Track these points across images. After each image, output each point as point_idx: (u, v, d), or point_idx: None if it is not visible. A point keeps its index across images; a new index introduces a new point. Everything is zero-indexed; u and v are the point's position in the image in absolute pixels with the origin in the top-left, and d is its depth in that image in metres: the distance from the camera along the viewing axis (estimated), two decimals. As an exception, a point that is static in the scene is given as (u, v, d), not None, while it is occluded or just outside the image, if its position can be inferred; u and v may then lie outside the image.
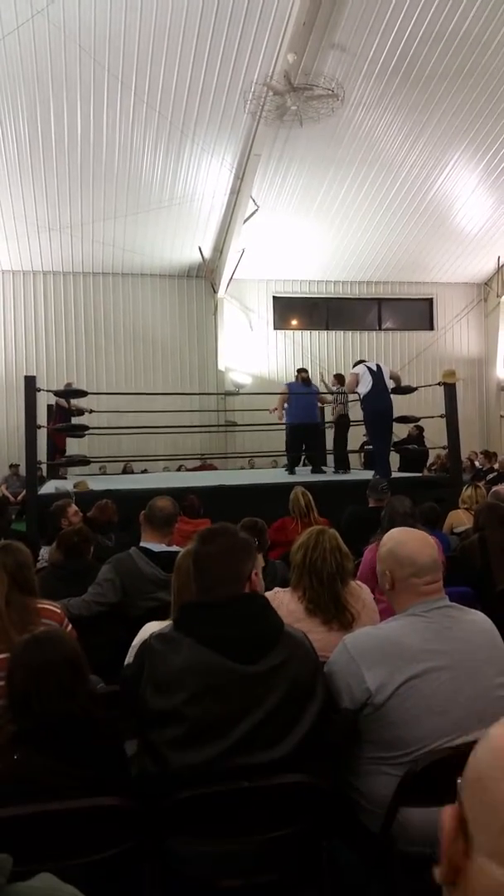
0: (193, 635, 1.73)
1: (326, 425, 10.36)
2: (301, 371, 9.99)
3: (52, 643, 1.78)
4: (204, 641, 1.71)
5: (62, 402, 10.08)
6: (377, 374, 7.93)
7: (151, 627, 2.42)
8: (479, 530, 3.99)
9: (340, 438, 9.95)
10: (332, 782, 1.83)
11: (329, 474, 9.40)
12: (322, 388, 10.31)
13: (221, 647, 1.70)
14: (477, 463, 14.02)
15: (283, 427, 9.77)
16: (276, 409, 9.98)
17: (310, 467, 10.00)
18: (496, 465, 13.28)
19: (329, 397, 10.22)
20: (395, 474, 8.48)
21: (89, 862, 1.54)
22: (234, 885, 1.65)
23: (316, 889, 1.77)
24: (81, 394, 9.36)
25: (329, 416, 10.39)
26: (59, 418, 10.05)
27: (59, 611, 2.65)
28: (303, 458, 10.16)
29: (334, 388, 10.06)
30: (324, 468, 9.87)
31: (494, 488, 5.82)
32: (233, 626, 1.73)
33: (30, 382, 7.29)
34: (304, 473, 9.57)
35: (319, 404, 10.19)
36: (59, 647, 1.77)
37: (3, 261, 14.99)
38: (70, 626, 2.66)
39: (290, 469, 9.69)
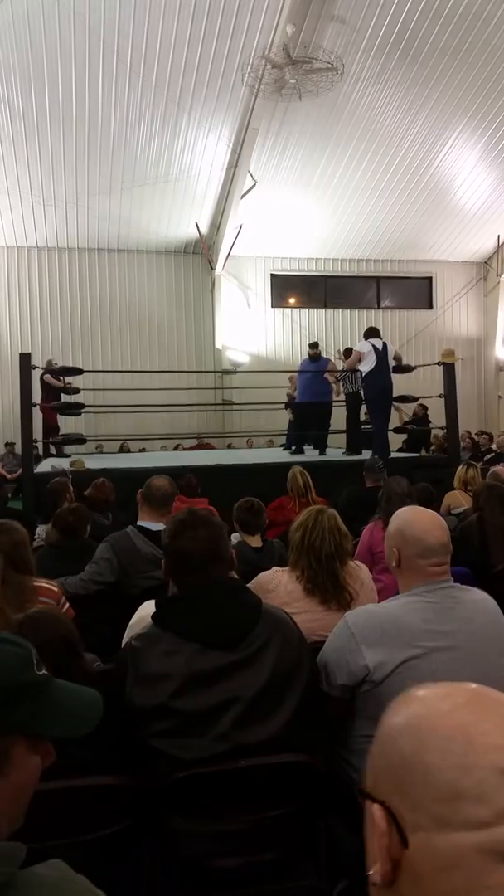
0: (172, 630, 1.75)
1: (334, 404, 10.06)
2: (310, 346, 9.77)
3: (46, 622, 1.78)
4: (183, 634, 1.73)
5: (49, 379, 10.01)
6: (382, 353, 7.87)
7: (150, 606, 2.41)
8: (477, 510, 3.98)
9: (353, 418, 9.34)
10: (328, 760, 1.84)
11: (328, 455, 9.20)
12: (339, 365, 9.97)
13: (201, 638, 1.72)
14: (479, 441, 13.96)
15: (281, 406, 9.67)
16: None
17: (317, 448, 9.54)
18: (494, 446, 13.28)
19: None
20: (393, 454, 8.47)
21: (87, 841, 1.54)
22: (232, 863, 1.66)
23: (313, 867, 1.78)
24: (77, 371, 9.31)
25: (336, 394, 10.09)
26: (46, 396, 9.97)
27: (56, 589, 2.66)
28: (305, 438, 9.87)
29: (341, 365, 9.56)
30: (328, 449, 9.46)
31: (493, 469, 5.82)
32: (209, 615, 1.75)
33: (25, 360, 7.25)
34: (309, 454, 9.28)
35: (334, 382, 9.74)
36: (53, 627, 1.77)
37: (-2, 236, 14.83)
38: (67, 605, 2.67)
39: (296, 449, 9.28)
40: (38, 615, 1.84)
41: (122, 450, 13.16)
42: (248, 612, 1.80)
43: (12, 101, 11.44)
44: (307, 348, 9.92)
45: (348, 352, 9.66)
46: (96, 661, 2.96)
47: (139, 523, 3.48)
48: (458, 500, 5.69)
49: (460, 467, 6.10)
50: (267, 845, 1.68)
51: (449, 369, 8.29)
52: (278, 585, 2.57)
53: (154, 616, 1.83)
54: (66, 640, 1.77)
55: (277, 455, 9.54)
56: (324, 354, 10.16)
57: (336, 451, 9.50)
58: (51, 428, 10.44)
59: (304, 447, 9.55)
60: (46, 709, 0.92)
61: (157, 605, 1.92)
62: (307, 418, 9.39)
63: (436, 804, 0.61)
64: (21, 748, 0.89)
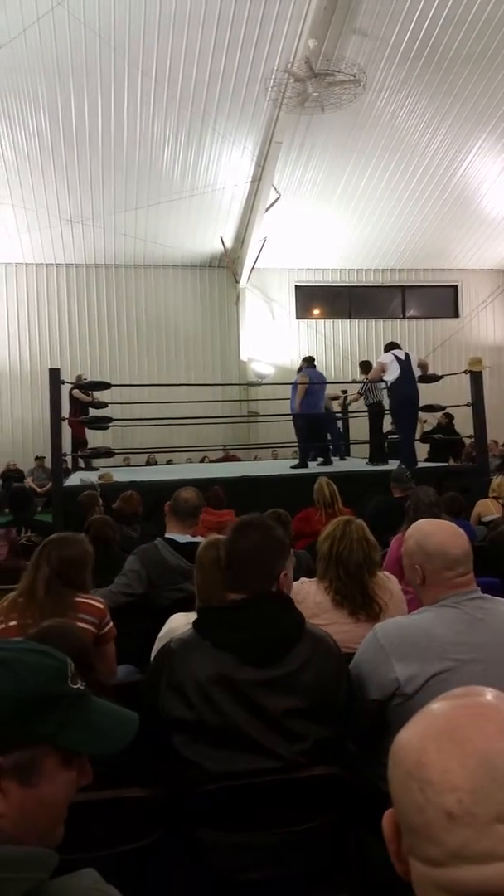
0: (212, 639, 1.73)
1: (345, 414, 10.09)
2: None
3: (57, 637, 1.77)
4: (222, 645, 1.71)
5: (78, 393, 10.15)
6: (405, 363, 7.86)
7: (178, 618, 2.42)
8: (507, 520, 3.93)
9: (376, 428, 9.36)
10: (359, 773, 1.82)
11: (354, 465, 9.22)
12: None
13: (240, 651, 1.70)
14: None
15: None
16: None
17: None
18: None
19: (329, 391, 10.11)
20: (420, 464, 8.41)
21: (117, 853, 1.55)
22: (263, 876, 1.65)
23: (344, 880, 1.76)
24: (105, 385, 9.41)
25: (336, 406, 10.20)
26: (74, 410, 10.11)
27: (101, 606, 2.63)
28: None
29: (360, 378, 9.76)
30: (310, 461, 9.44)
31: (522, 477, 5.75)
32: (251, 629, 1.73)
33: (54, 375, 7.34)
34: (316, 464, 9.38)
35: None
36: (64, 641, 1.74)
37: (26, 253, 15.09)
38: (111, 624, 2.65)
39: (323, 460, 9.36)
40: (47, 630, 1.83)
41: (149, 462, 13.25)
42: (290, 631, 1.77)
43: (40, 121, 11.67)
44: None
45: (365, 364, 9.75)
46: (135, 672, 2.97)
47: (167, 535, 3.50)
48: (489, 508, 5.63)
49: (496, 476, 6.04)
50: (298, 859, 1.67)
51: (476, 378, 8.22)
52: (306, 597, 2.56)
53: (195, 623, 1.82)
54: (78, 653, 1.76)
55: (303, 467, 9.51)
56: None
57: (360, 461, 9.47)
58: (79, 442, 10.56)
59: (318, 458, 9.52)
60: (76, 722, 0.92)
61: (199, 612, 1.92)
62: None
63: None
64: (52, 760, 0.89)
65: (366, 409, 9.52)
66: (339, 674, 1.81)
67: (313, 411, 9.07)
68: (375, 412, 9.29)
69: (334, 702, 1.76)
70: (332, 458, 9.44)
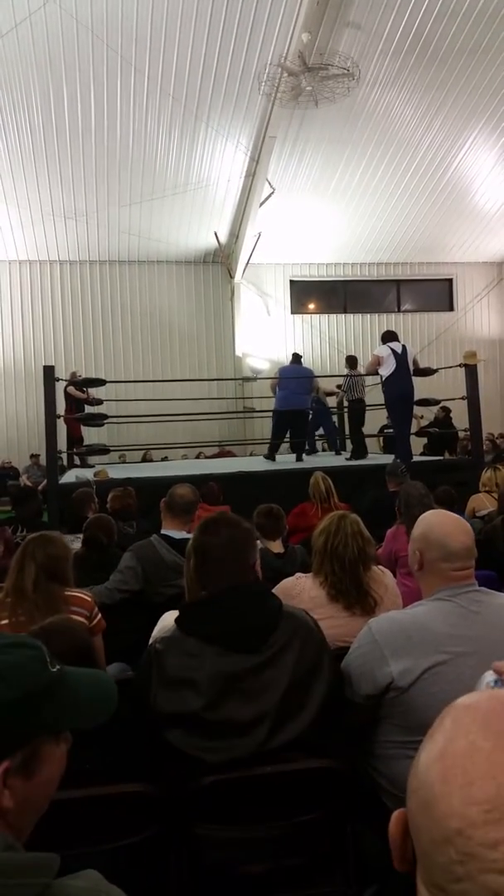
0: (195, 634, 1.76)
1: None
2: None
3: (61, 633, 1.79)
4: (205, 639, 1.74)
5: (73, 390, 10.14)
6: (401, 357, 7.82)
7: (171, 616, 2.43)
8: (502, 513, 3.95)
9: (356, 424, 9.50)
10: (354, 766, 1.84)
11: (344, 459, 9.29)
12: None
13: (222, 641, 1.73)
14: (500, 443, 13.84)
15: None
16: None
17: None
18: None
19: (326, 386, 10.10)
20: (415, 458, 8.42)
21: (115, 848, 1.55)
22: (259, 870, 1.66)
23: (341, 872, 1.77)
24: (100, 382, 9.40)
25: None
26: (69, 407, 10.10)
27: (89, 599, 2.69)
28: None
29: (345, 372, 9.83)
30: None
31: (517, 471, 5.75)
32: (232, 619, 1.76)
33: (48, 372, 7.34)
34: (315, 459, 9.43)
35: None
36: (68, 637, 1.78)
37: (20, 250, 15.04)
38: (100, 616, 2.69)
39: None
40: (51, 626, 1.84)
41: (144, 459, 13.24)
42: (270, 615, 1.81)
43: (32, 117, 11.62)
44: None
45: (350, 359, 9.74)
46: (126, 670, 2.98)
47: (162, 532, 3.50)
48: (483, 502, 5.64)
49: (485, 470, 6.04)
50: (294, 851, 1.68)
51: (471, 371, 8.24)
52: (302, 591, 2.57)
53: (177, 620, 1.84)
54: (81, 650, 1.77)
55: (298, 462, 9.53)
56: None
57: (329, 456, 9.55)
58: (75, 439, 10.55)
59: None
60: (67, 704, 0.95)
61: (179, 609, 1.93)
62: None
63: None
64: (48, 744, 0.93)
65: (350, 404, 9.60)
66: (320, 651, 1.84)
67: (283, 406, 9.04)
68: (356, 409, 9.36)
69: (319, 679, 1.79)
70: (304, 455, 9.49)
